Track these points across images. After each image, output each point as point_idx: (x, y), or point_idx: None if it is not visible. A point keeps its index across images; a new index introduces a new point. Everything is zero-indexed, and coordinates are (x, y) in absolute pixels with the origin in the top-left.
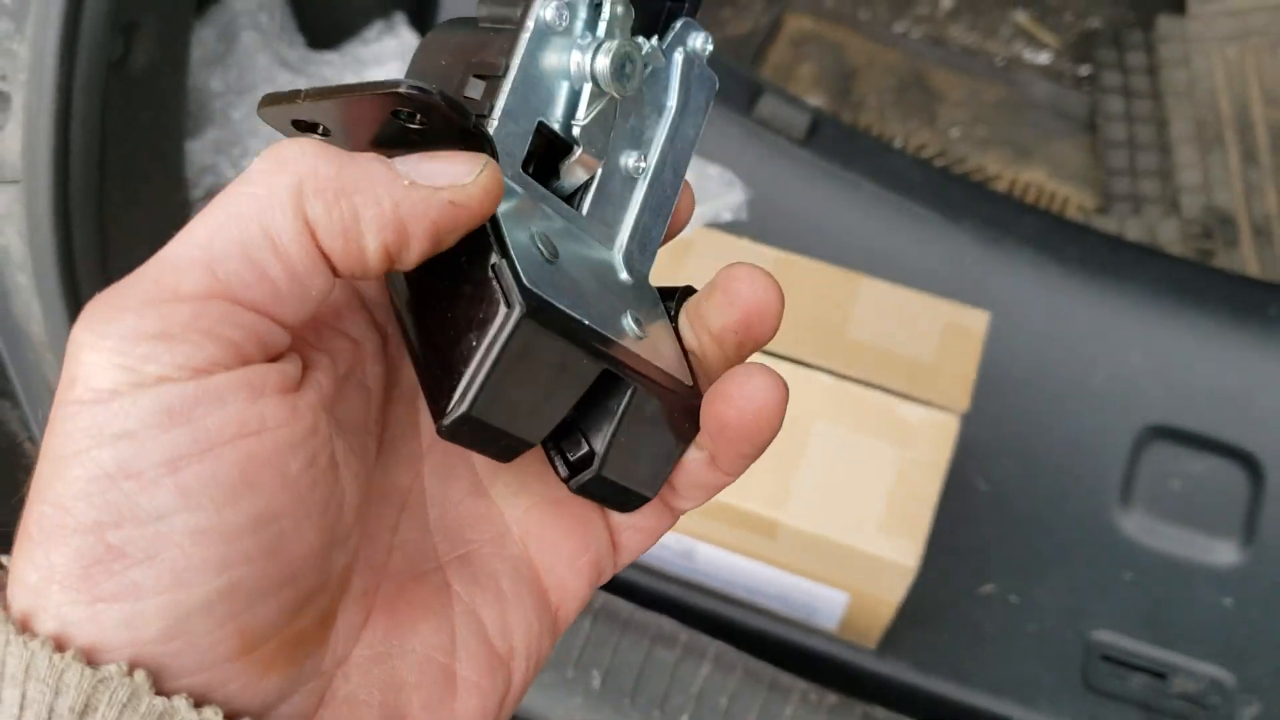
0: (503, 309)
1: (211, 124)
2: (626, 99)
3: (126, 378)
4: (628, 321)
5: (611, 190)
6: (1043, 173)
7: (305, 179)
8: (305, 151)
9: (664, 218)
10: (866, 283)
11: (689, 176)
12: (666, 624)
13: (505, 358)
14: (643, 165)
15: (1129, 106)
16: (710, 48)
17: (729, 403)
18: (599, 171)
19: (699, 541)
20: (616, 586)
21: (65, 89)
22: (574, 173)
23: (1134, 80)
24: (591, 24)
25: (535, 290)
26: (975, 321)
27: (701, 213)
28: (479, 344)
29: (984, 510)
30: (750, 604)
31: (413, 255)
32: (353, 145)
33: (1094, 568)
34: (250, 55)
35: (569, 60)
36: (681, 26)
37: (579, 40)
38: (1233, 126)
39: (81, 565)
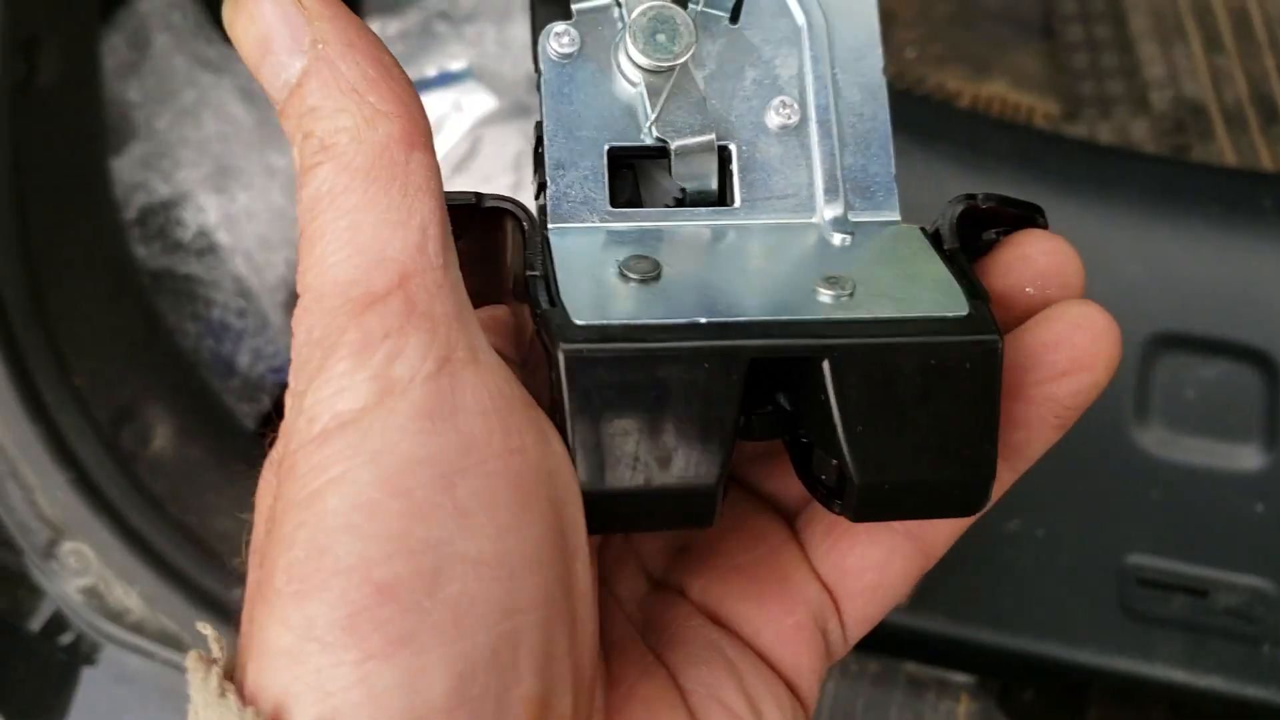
0: (553, 355)
1: (135, 138)
2: (718, 53)
3: (376, 388)
4: (819, 290)
5: (766, 160)
6: (1004, 84)
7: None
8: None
9: (878, 147)
10: None
11: None
12: None
13: (578, 408)
14: (797, 110)
15: (1083, 5)
16: None
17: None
18: (732, 147)
19: None
20: None
21: None
22: (686, 174)
23: None
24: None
25: (593, 323)
26: None
27: None
28: (560, 415)
29: None
30: None
31: None
32: None
33: (1119, 489)
34: (166, 58)
35: (610, 65)
36: None
37: (613, 40)
38: (1191, 14)
39: (345, 614)
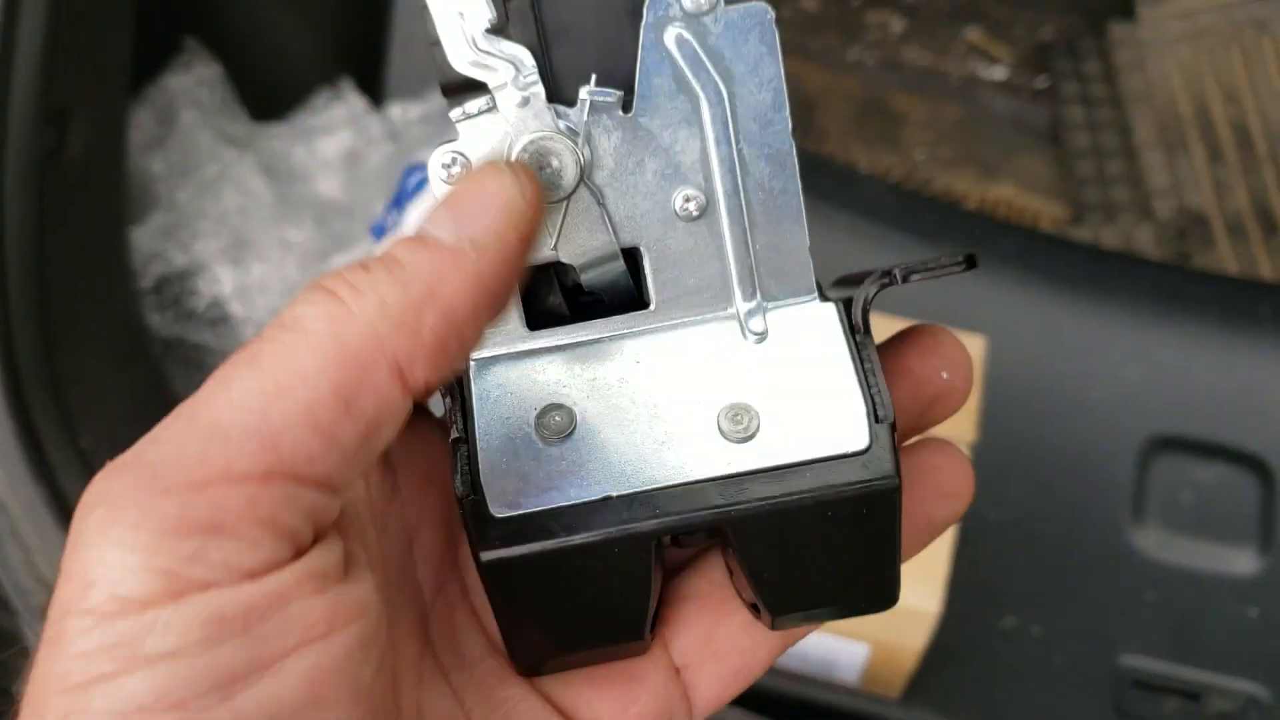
0: (475, 554)
1: (156, 208)
2: (616, 148)
3: (164, 584)
4: (724, 428)
5: (677, 254)
6: (1011, 188)
7: (376, 314)
8: (366, 282)
9: (790, 222)
10: None
11: None
12: None
13: (503, 603)
14: (699, 198)
15: (1090, 114)
16: None
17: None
18: (641, 249)
19: None
20: None
21: None
22: (597, 285)
23: (1092, 88)
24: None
25: (511, 515)
26: (972, 347)
27: None
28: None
29: (997, 540)
30: None
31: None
32: None
33: (1114, 590)
34: (191, 134)
35: None
36: (649, 2)
37: (504, 154)
38: (1195, 126)
39: None
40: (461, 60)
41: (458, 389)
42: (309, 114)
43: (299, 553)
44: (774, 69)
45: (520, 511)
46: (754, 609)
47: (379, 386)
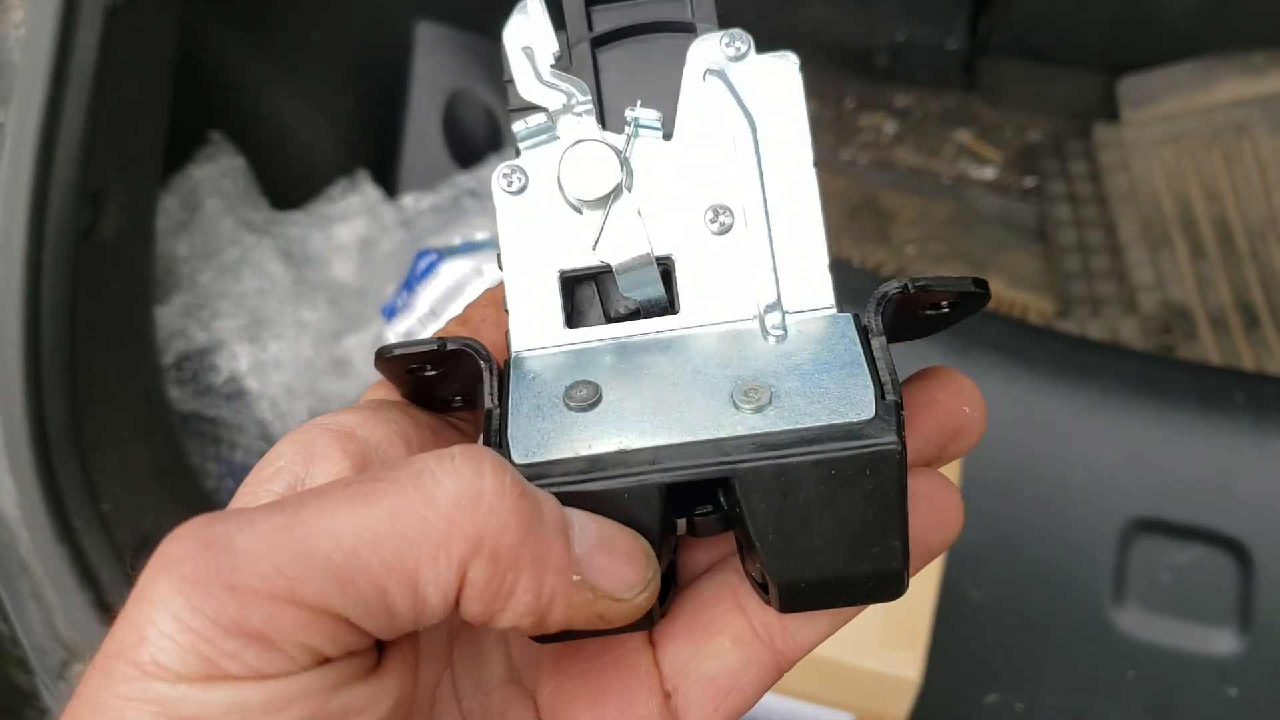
0: None
1: (179, 289)
2: (654, 167)
3: (199, 668)
4: (738, 402)
5: (706, 265)
6: (1000, 283)
7: (487, 540)
8: (499, 505)
9: (811, 238)
10: None
11: None
12: None
13: None
14: (731, 213)
15: (1076, 212)
16: (744, 46)
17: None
18: (674, 258)
19: None
20: None
21: (35, 258)
22: (631, 289)
23: (1078, 187)
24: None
25: (530, 462)
26: None
27: None
28: None
29: (980, 619)
30: None
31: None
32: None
33: (1096, 668)
34: (214, 220)
35: (557, 194)
36: (691, 51)
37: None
38: (1177, 224)
39: None
40: (529, 88)
41: (496, 376)
42: (326, 203)
43: (320, 663)
44: (798, 105)
45: (539, 459)
46: (762, 589)
47: (445, 589)
